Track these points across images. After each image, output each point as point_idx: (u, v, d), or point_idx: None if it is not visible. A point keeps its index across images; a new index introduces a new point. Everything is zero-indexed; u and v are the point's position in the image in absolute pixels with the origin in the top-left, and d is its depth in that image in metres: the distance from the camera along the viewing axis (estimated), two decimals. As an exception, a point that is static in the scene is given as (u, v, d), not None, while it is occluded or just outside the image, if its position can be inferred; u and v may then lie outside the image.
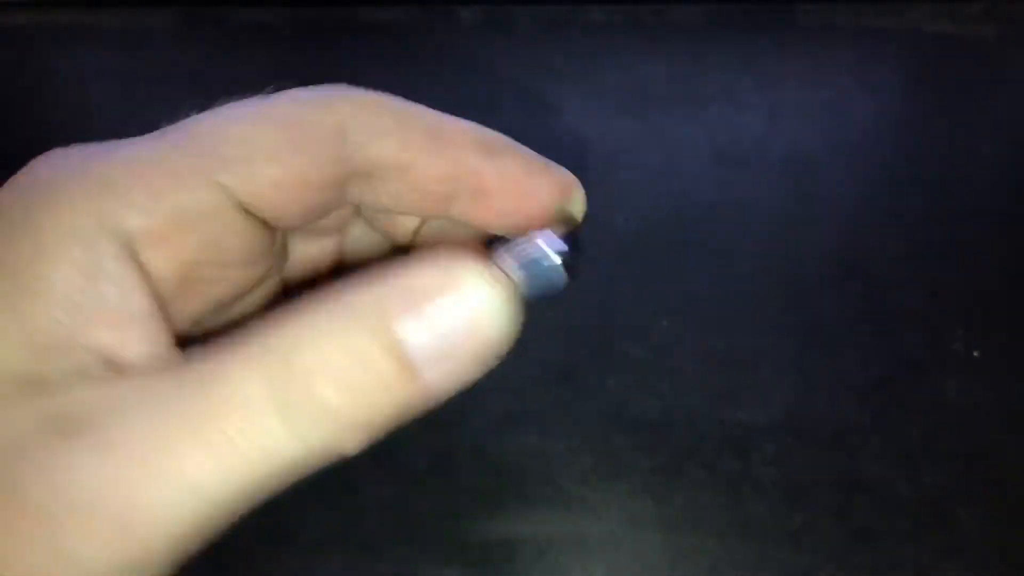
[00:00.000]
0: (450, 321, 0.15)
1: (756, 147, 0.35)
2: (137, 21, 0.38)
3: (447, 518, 0.28)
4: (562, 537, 0.27)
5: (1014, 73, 0.37)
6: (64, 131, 0.35)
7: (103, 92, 0.36)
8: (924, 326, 0.31)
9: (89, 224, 0.14)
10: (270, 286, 0.19)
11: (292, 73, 0.36)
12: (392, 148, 0.17)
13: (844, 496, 0.28)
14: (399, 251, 0.20)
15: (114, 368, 0.14)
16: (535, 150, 0.18)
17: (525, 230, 0.17)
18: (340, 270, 0.21)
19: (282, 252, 0.18)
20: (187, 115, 0.17)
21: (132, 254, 0.15)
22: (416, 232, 0.20)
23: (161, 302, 0.15)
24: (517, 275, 0.16)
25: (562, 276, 0.17)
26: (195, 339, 0.16)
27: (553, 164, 0.19)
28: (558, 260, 0.17)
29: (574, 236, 0.17)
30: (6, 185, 0.15)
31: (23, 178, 0.15)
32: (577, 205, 0.19)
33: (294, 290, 0.19)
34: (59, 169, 0.15)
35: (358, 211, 0.20)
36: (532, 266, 0.16)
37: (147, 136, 0.16)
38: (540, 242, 0.17)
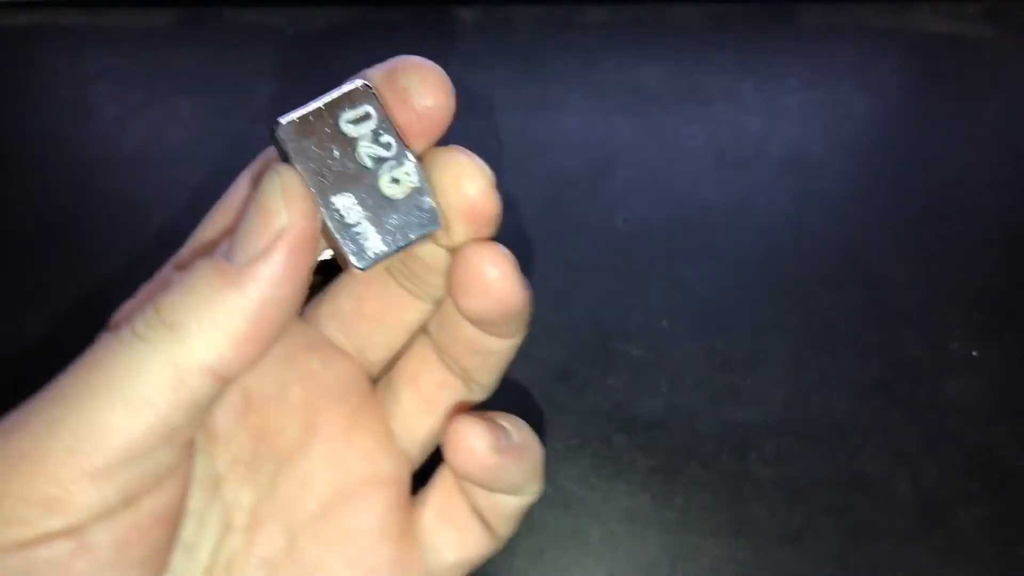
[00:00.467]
0: (248, 211, 0.17)
1: (756, 147, 0.35)
2: (137, 21, 0.38)
3: (447, 518, 0.28)
4: (562, 537, 0.27)
5: (1014, 73, 0.37)
6: (64, 131, 0.35)
7: (103, 92, 0.36)
8: (923, 326, 0.31)
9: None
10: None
11: (292, 73, 0.36)
12: None
13: (844, 496, 0.28)
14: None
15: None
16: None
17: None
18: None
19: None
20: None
21: None
22: None
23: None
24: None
25: None
26: None
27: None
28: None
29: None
30: None
31: None
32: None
33: None
34: None
35: None
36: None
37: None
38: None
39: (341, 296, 0.22)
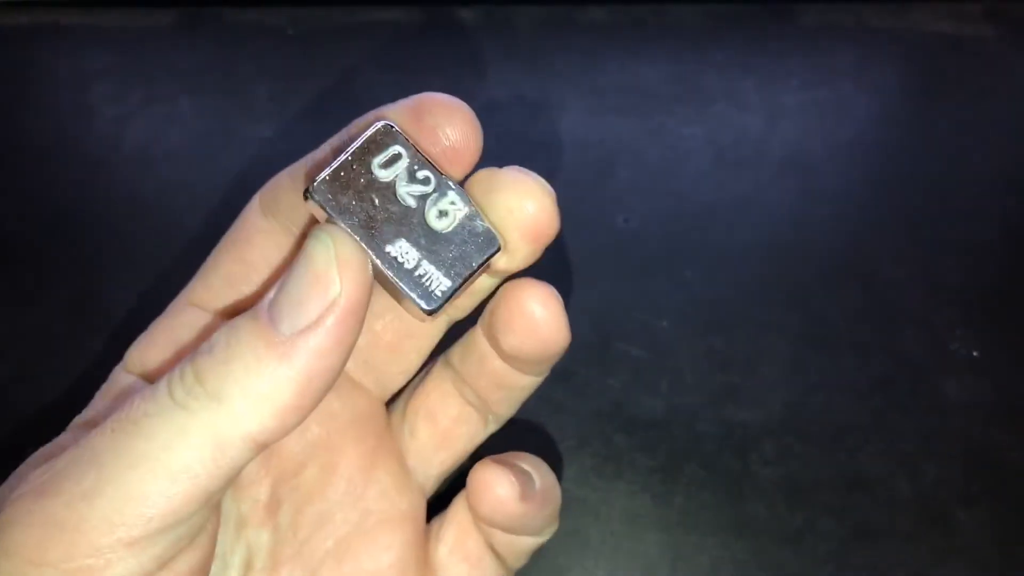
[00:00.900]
0: (296, 276, 0.16)
1: (756, 147, 0.35)
2: (137, 21, 0.38)
3: (447, 518, 0.28)
4: (562, 537, 0.27)
5: (1014, 73, 0.37)
6: (64, 131, 0.35)
7: (103, 92, 0.36)
8: (923, 326, 0.31)
9: None
10: None
11: (292, 73, 0.36)
12: None
13: (844, 496, 0.28)
14: None
15: None
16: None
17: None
18: None
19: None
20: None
21: None
22: None
23: None
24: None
25: None
26: None
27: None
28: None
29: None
30: None
31: None
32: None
33: None
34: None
35: None
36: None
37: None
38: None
39: None
